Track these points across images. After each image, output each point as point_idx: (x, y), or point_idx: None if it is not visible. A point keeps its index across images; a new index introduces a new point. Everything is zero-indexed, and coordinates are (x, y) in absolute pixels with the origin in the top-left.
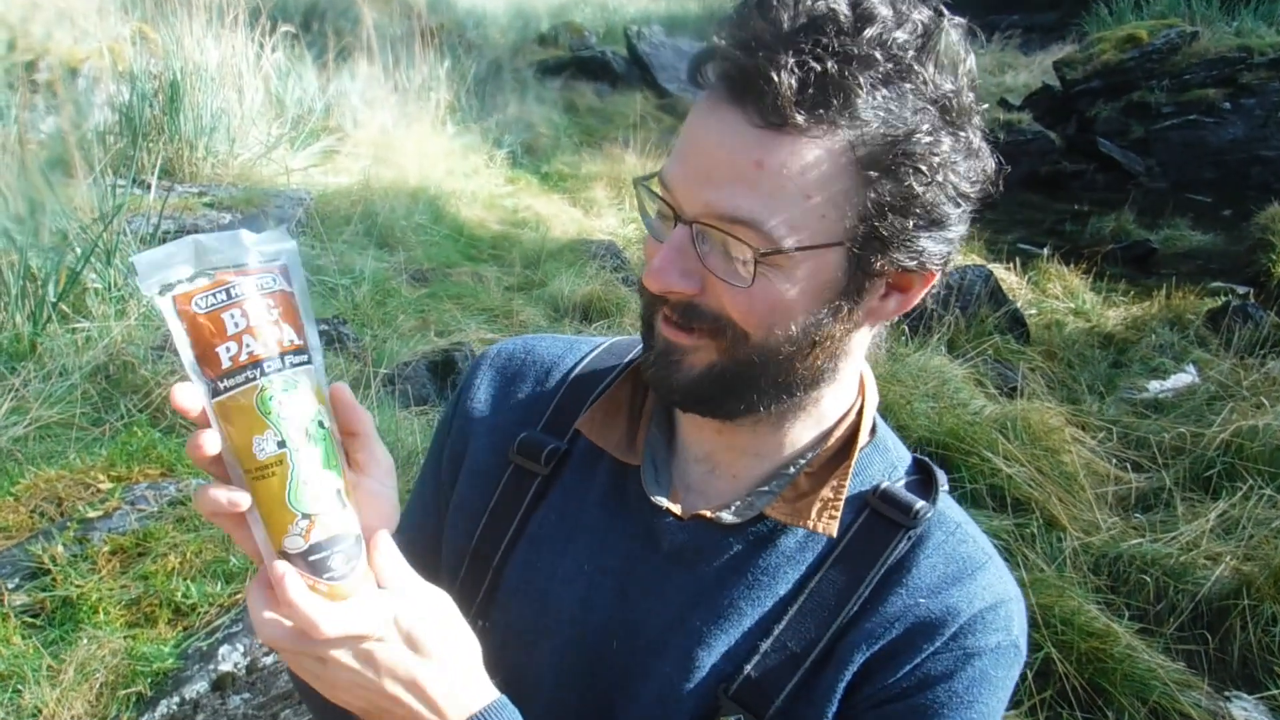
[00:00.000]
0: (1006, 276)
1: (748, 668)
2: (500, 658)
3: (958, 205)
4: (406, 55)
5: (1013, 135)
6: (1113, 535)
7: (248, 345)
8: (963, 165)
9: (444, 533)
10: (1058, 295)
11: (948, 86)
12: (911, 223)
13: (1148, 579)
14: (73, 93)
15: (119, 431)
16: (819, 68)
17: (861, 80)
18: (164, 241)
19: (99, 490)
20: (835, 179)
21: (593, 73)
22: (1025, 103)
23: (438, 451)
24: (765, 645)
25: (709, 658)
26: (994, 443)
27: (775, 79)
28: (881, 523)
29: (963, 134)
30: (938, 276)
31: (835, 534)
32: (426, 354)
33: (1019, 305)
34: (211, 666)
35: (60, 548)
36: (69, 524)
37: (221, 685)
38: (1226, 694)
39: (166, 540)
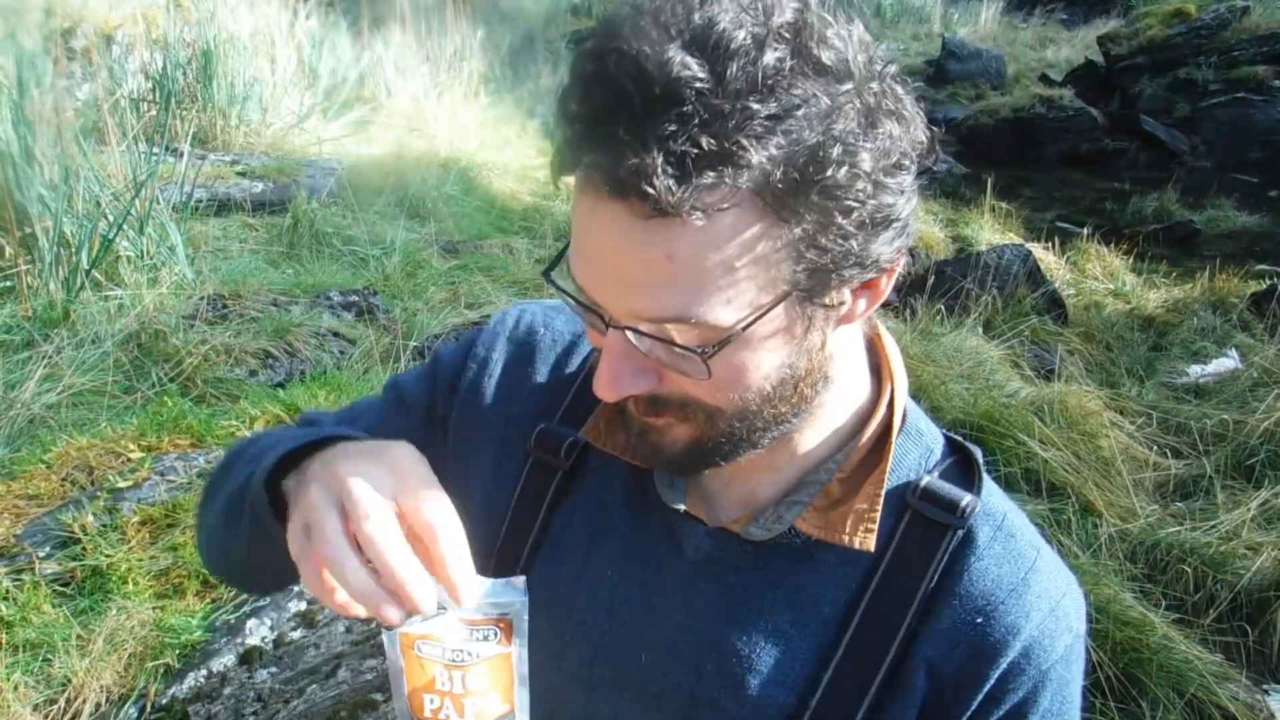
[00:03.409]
0: (1045, 256)
1: (814, 701)
2: (534, 665)
3: (897, 194)
4: (439, 24)
5: (1054, 111)
6: (1150, 523)
7: (446, 712)
8: (890, 153)
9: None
10: (1097, 276)
11: (841, 87)
12: (852, 240)
13: (1186, 568)
14: (107, 60)
15: (150, 400)
16: (694, 150)
17: (744, 135)
18: (195, 211)
19: (129, 459)
20: (754, 238)
21: None
22: (1067, 79)
23: (431, 395)
24: (827, 676)
25: (760, 685)
26: (1030, 426)
27: (651, 178)
28: (926, 525)
29: (878, 123)
30: (901, 263)
31: (872, 549)
32: (457, 326)
33: (1057, 286)
34: (239, 640)
35: (90, 517)
36: (99, 493)
37: (249, 659)
38: (1265, 687)
39: (195, 511)
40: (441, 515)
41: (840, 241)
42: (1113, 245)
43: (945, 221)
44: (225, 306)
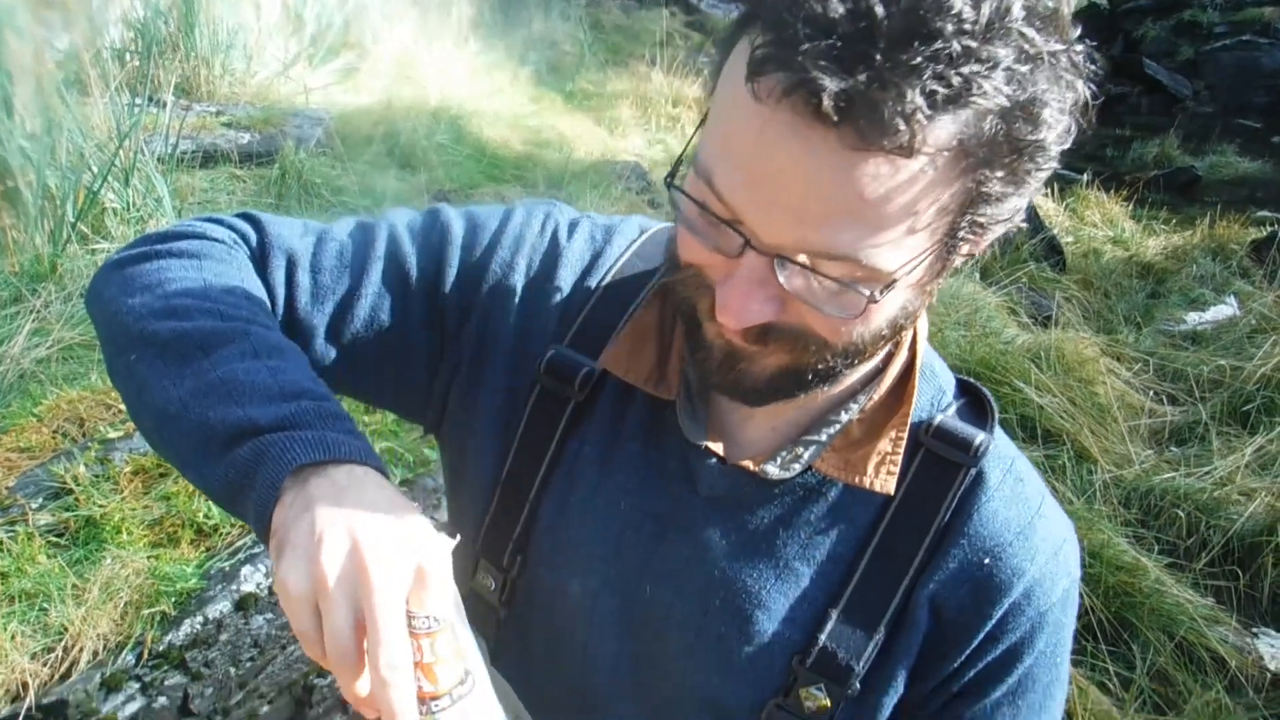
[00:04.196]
0: (1043, 203)
1: (821, 637)
2: (534, 590)
3: (1052, 161)
4: None
5: None
6: (1145, 469)
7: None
8: (1066, 119)
9: (422, 359)
10: (1096, 223)
11: (1057, 45)
12: (1013, 199)
13: (1179, 513)
14: (87, 9)
15: None
16: (939, 88)
17: (985, 80)
18: (181, 163)
19: (120, 410)
20: (942, 186)
21: None
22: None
23: (439, 274)
24: (836, 612)
25: (770, 623)
26: (1026, 373)
27: (882, 109)
28: (939, 464)
29: (1074, 87)
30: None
31: (892, 491)
32: None
33: (1056, 232)
34: (234, 587)
35: (82, 468)
36: (91, 444)
37: (244, 605)
38: (1254, 630)
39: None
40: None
41: (1005, 201)
42: (1113, 192)
43: None
44: None
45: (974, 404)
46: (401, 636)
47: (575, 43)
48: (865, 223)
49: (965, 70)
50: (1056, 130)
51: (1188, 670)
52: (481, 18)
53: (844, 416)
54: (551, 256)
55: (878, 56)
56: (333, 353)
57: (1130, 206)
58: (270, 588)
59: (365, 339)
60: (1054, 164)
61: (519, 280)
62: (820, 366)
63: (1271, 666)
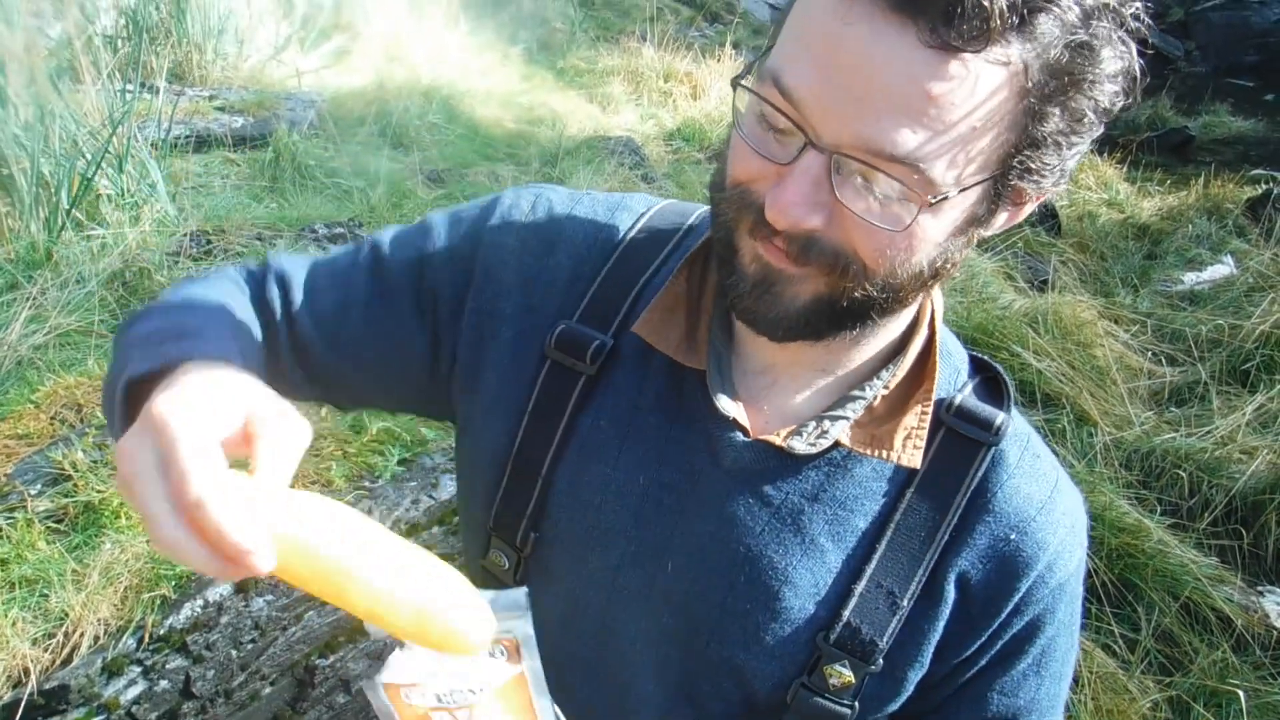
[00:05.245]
0: None
1: (845, 613)
2: (551, 567)
3: (1101, 121)
4: None
5: None
6: (1145, 430)
7: None
8: (1119, 79)
9: (417, 367)
10: (1091, 186)
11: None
12: (1060, 150)
13: (1181, 474)
14: None
15: None
16: None
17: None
18: (175, 148)
19: None
20: (1004, 109)
21: None
22: None
23: (427, 275)
24: (860, 587)
25: (796, 599)
26: (1024, 337)
27: (980, 4)
28: (961, 442)
29: (1119, 39)
30: (1047, 196)
31: (919, 465)
32: None
33: (1050, 197)
34: None
35: (80, 454)
36: (88, 430)
37: (245, 587)
38: (1260, 588)
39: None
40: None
41: (1054, 151)
42: (1106, 154)
43: None
44: (209, 242)
45: (989, 382)
46: (207, 468)
47: (566, 20)
48: (927, 126)
49: None
50: (1110, 87)
51: (1193, 630)
52: None
53: (868, 393)
54: (548, 233)
55: None
56: (336, 361)
57: (1124, 169)
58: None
59: (363, 342)
60: (1099, 128)
61: (512, 259)
62: (855, 299)
63: (1278, 624)
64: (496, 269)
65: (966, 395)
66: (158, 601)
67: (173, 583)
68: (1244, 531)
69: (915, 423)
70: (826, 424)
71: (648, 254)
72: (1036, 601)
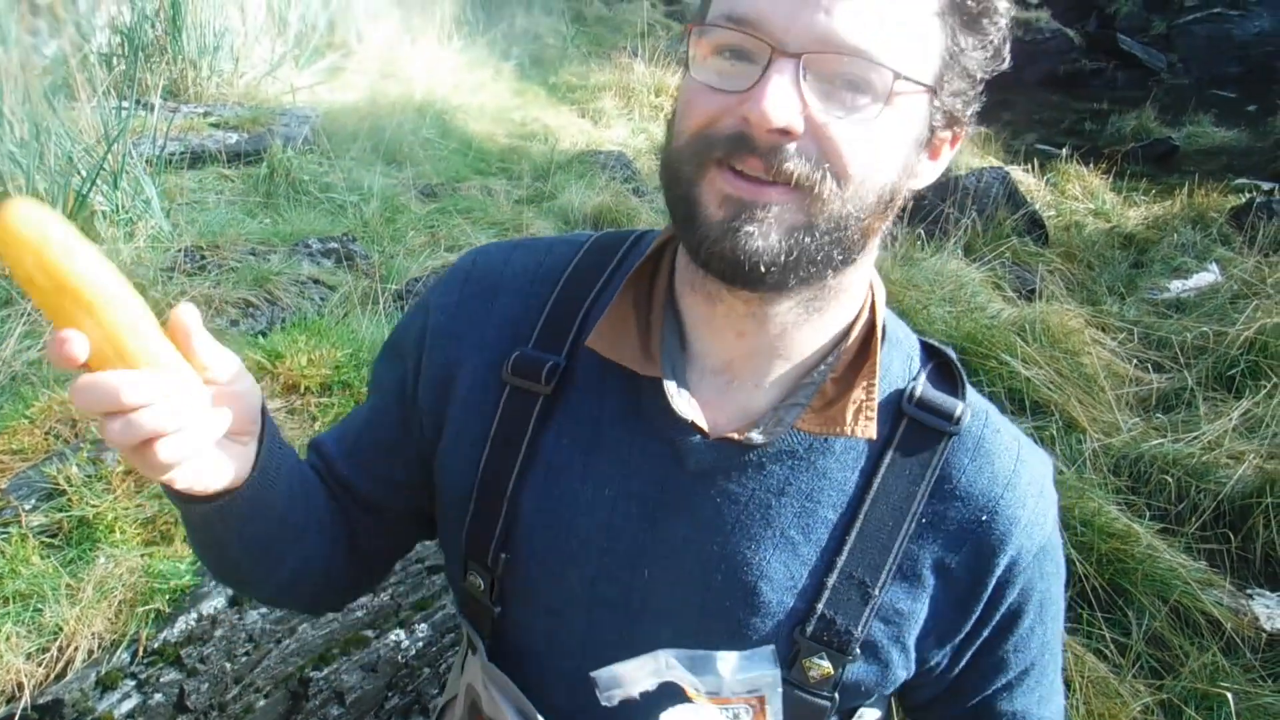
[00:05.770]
0: (1024, 178)
1: (820, 606)
2: (528, 585)
3: (992, 69)
4: None
5: (1031, 34)
6: (1133, 436)
7: None
8: (1005, 26)
9: (419, 456)
10: (1077, 196)
11: None
12: (970, 83)
13: (1169, 479)
14: (74, 14)
15: None
16: None
17: None
18: (169, 164)
19: None
20: (932, 17)
21: None
22: (1043, 0)
23: (399, 370)
24: (832, 580)
25: (773, 592)
26: (1012, 346)
27: None
28: (923, 433)
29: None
30: (958, 146)
31: (874, 436)
32: (436, 269)
33: (1037, 207)
34: None
35: (75, 469)
36: (83, 445)
37: (239, 601)
38: (1249, 591)
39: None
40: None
41: (969, 77)
42: (1092, 165)
43: None
44: (204, 258)
45: (942, 367)
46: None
47: (558, 36)
48: (875, 19)
49: None
50: (1001, 34)
51: (1184, 634)
52: (464, 14)
53: (817, 379)
54: (490, 280)
55: None
56: (371, 489)
57: (1110, 179)
58: None
59: (373, 454)
60: (989, 71)
61: (461, 311)
62: (828, 220)
63: (1267, 627)
64: (446, 325)
65: (923, 385)
66: (152, 615)
67: (167, 596)
68: (1232, 535)
69: (864, 396)
70: (780, 412)
71: (592, 277)
72: (1023, 570)
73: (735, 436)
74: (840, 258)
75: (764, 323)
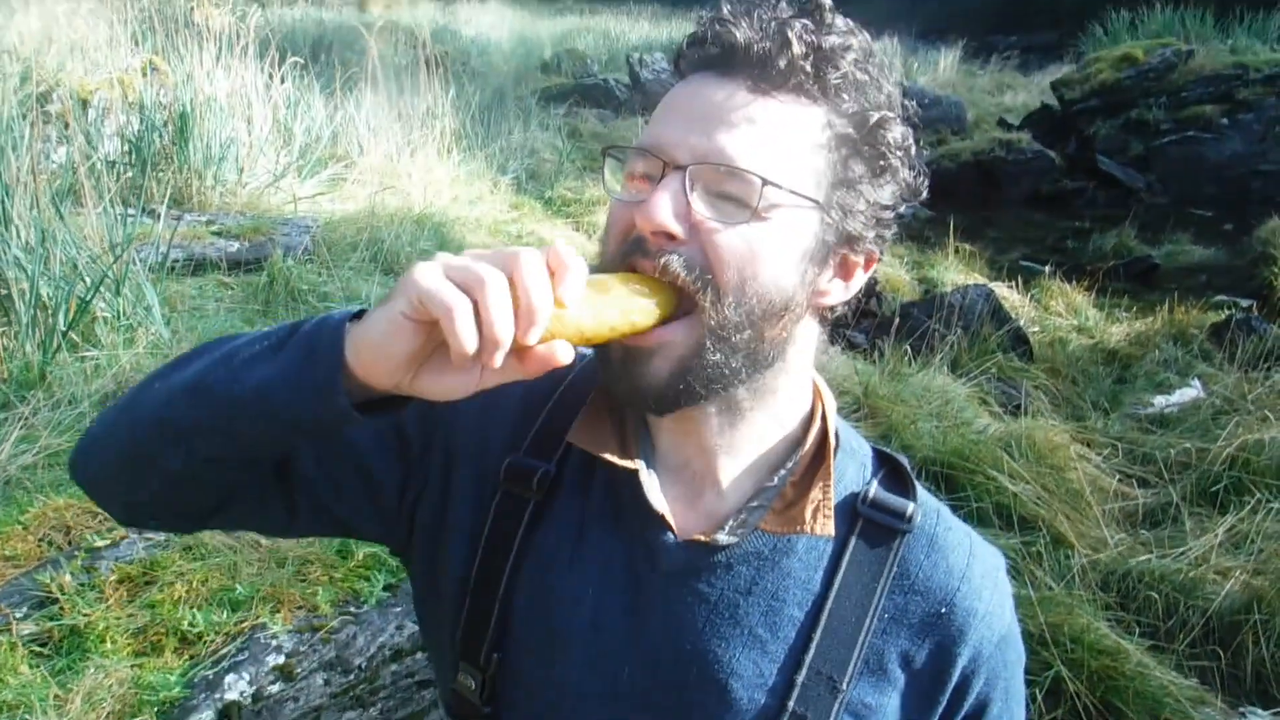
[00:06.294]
0: (1009, 295)
1: (790, 703)
2: (518, 684)
3: (903, 199)
4: (411, 84)
5: (1013, 154)
6: (1120, 552)
7: None
8: (909, 167)
9: (382, 493)
10: (1060, 312)
11: (896, 90)
12: (867, 205)
13: (1157, 595)
14: (84, 123)
15: None
16: (816, 41)
17: (843, 61)
18: (171, 271)
19: (106, 519)
20: (817, 147)
21: (595, 99)
22: (1024, 122)
23: (419, 423)
24: (801, 677)
25: (743, 689)
26: (999, 461)
27: (787, 45)
28: (879, 531)
29: (912, 141)
30: (872, 269)
31: (832, 533)
32: None
33: (1022, 323)
34: (218, 695)
35: (68, 576)
36: (77, 553)
37: (228, 714)
38: (1241, 710)
39: (173, 569)
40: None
41: (864, 200)
42: (1075, 282)
43: (911, 264)
44: None
45: (894, 472)
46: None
47: (554, 151)
48: (756, 141)
49: (831, 42)
50: (900, 158)
51: None
52: (463, 128)
53: (777, 483)
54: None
55: (768, 20)
56: (319, 481)
57: (1093, 295)
58: (254, 695)
59: (347, 473)
60: (894, 198)
61: (469, 405)
62: (716, 328)
63: None
64: (461, 415)
65: (876, 488)
66: None
67: (155, 709)
68: (1222, 652)
69: (820, 496)
70: (744, 515)
71: (585, 389)
72: (986, 660)
73: (703, 538)
74: (742, 366)
75: (700, 424)
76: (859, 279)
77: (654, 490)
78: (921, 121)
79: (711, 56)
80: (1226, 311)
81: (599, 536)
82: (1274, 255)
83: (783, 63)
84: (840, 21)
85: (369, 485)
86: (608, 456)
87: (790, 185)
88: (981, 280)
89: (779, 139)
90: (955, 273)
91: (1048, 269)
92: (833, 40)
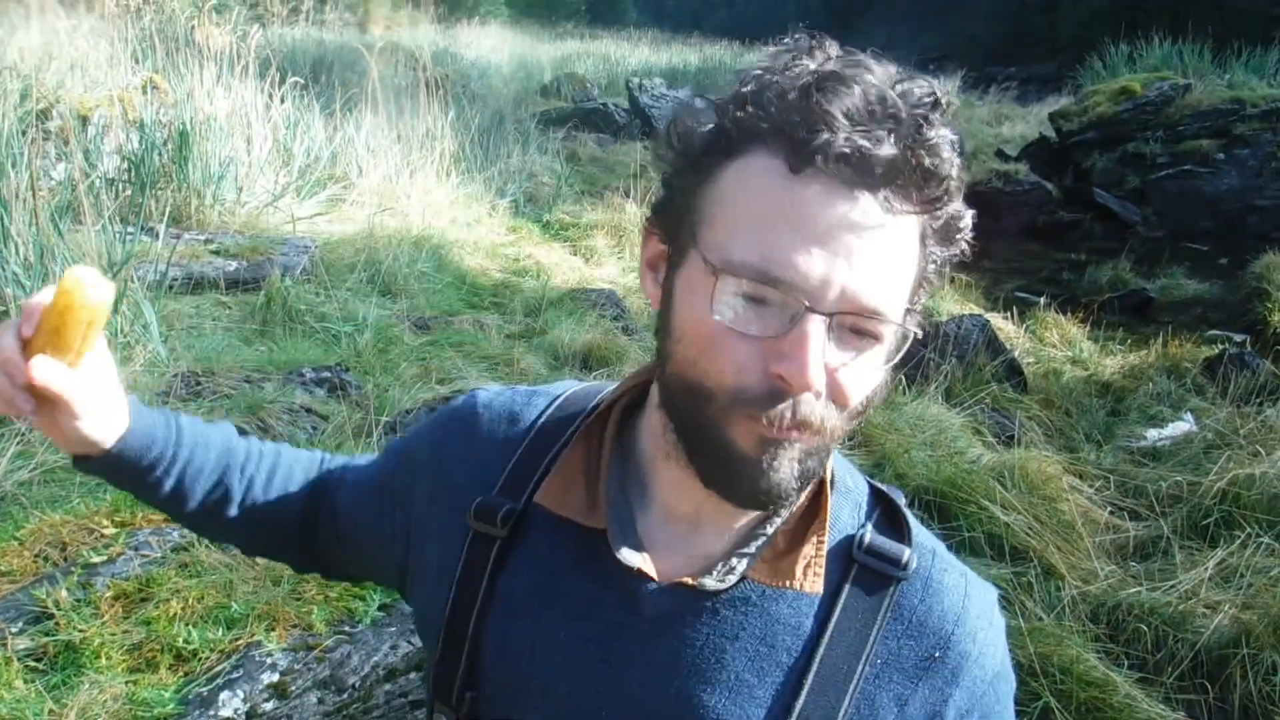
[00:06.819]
0: (1004, 325)
1: None
2: None
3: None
4: (411, 106)
5: (1010, 185)
6: (1111, 584)
7: None
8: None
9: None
10: (1055, 344)
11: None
12: (931, 284)
13: (1146, 628)
14: (83, 141)
15: None
16: (953, 152)
17: (950, 165)
18: (169, 290)
19: (103, 535)
20: (917, 258)
21: (594, 123)
22: (1022, 154)
23: (404, 493)
24: None
25: None
26: (992, 491)
27: (938, 164)
28: (873, 578)
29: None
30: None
31: (820, 590)
32: (428, 401)
33: (1016, 354)
34: (211, 712)
35: (64, 592)
36: (73, 569)
37: None
38: None
39: (169, 585)
40: None
41: (930, 282)
42: (1070, 314)
43: None
44: (198, 384)
45: (889, 511)
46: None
47: (552, 175)
48: (890, 278)
49: (945, 155)
50: (968, 231)
51: None
52: (462, 151)
53: (769, 529)
54: (472, 423)
55: (904, 130)
56: (335, 544)
57: (1087, 328)
58: (248, 713)
59: (356, 536)
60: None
61: (445, 452)
62: (829, 448)
63: None
64: (429, 463)
65: (871, 532)
66: None
67: None
68: (1210, 686)
69: (813, 552)
70: (734, 561)
71: (559, 431)
72: (980, 699)
73: (689, 582)
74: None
75: None
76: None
77: (627, 553)
78: None
79: (844, 164)
80: (1220, 346)
81: (573, 583)
82: (1268, 290)
83: (929, 187)
84: (942, 102)
85: (374, 542)
86: (573, 517)
87: (900, 316)
88: (977, 310)
89: (902, 264)
90: (951, 303)
91: (1043, 300)
92: (942, 132)
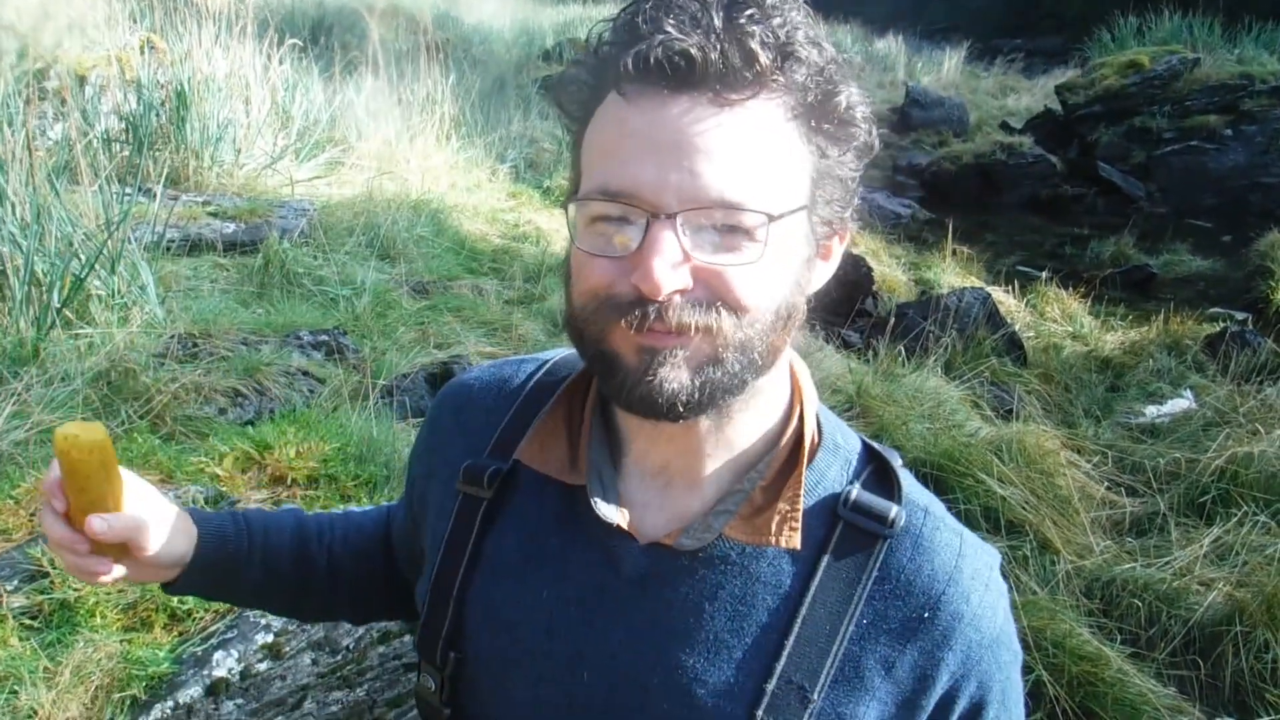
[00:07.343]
0: (1005, 299)
1: (759, 712)
2: (476, 688)
3: (862, 163)
4: (412, 69)
5: (1014, 158)
6: (1106, 559)
7: None
8: (868, 131)
9: (408, 553)
10: (1056, 319)
11: (830, 44)
12: (841, 185)
13: (1140, 603)
14: (80, 101)
15: (119, 438)
16: (773, 35)
17: (798, 45)
18: (167, 251)
19: None
20: (793, 142)
21: None
22: (1027, 126)
23: (410, 482)
24: (771, 685)
25: (709, 696)
26: (989, 465)
27: (748, 51)
28: (859, 535)
29: (854, 83)
30: (846, 240)
31: (798, 545)
32: (425, 366)
33: (1017, 328)
34: (206, 672)
35: None
36: None
37: (215, 690)
38: (1217, 719)
39: None
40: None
41: (839, 181)
42: (1071, 289)
43: (908, 265)
44: (195, 345)
45: (881, 470)
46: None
47: (553, 141)
48: (742, 167)
49: (780, 28)
50: (862, 124)
51: None
52: (463, 116)
53: (746, 486)
54: (460, 398)
55: (716, 23)
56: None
57: (1089, 303)
58: (242, 673)
59: (405, 545)
60: (859, 165)
61: (440, 427)
62: (733, 347)
63: None
64: (424, 440)
65: (858, 490)
66: (128, 702)
67: (144, 683)
68: (1201, 662)
69: (788, 507)
70: (711, 519)
71: (548, 394)
72: (976, 664)
73: (666, 542)
74: (751, 377)
75: (690, 428)
76: (837, 254)
77: (607, 507)
78: (924, 122)
79: (660, 73)
80: (1221, 323)
81: (556, 543)
82: (1271, 269)
83: (748, 71)
84: None
85: (414, 546)
86: (554, 474)
87: (785, 203)
88: (978, 284)
89: (760, 152)
90: (952, 275)
91: (1044, 274)
92: (780, 22)
